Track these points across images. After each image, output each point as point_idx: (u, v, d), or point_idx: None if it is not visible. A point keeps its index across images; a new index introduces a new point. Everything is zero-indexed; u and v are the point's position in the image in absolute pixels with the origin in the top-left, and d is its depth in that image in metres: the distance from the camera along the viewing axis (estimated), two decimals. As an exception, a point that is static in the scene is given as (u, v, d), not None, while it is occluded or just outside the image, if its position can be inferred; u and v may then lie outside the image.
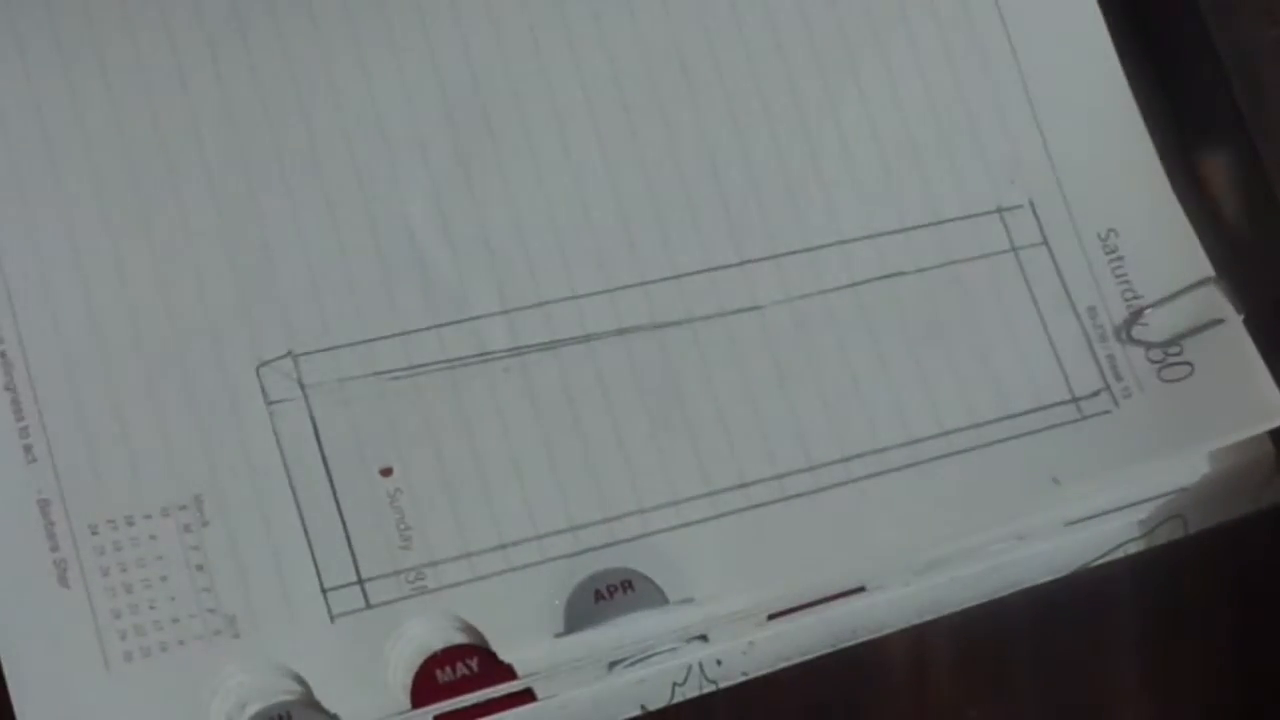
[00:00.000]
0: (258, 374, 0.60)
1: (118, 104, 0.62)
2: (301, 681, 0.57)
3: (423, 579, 0.59)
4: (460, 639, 0.59)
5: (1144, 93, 0.68)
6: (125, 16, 0.63)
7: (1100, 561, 0.64)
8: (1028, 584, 0.63)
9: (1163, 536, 0.65)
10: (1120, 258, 0.65)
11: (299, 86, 0.63)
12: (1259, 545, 0.65)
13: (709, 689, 0.61)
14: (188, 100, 0.63)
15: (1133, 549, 0.64)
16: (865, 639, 0.62)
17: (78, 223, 0.61)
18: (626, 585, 0.59)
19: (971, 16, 0.67)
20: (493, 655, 0.58)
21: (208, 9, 0.63)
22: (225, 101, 0.63)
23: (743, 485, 0.61)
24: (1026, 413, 0.62)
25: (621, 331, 0.62)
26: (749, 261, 0.63)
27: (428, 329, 0.61)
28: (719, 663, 0.61)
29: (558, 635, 0.59)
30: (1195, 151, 0.68)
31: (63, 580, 0.57)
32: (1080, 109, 0.67)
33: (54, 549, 0.57)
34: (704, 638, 0.60)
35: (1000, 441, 0.62)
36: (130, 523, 0.58)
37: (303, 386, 0.60)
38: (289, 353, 0.60)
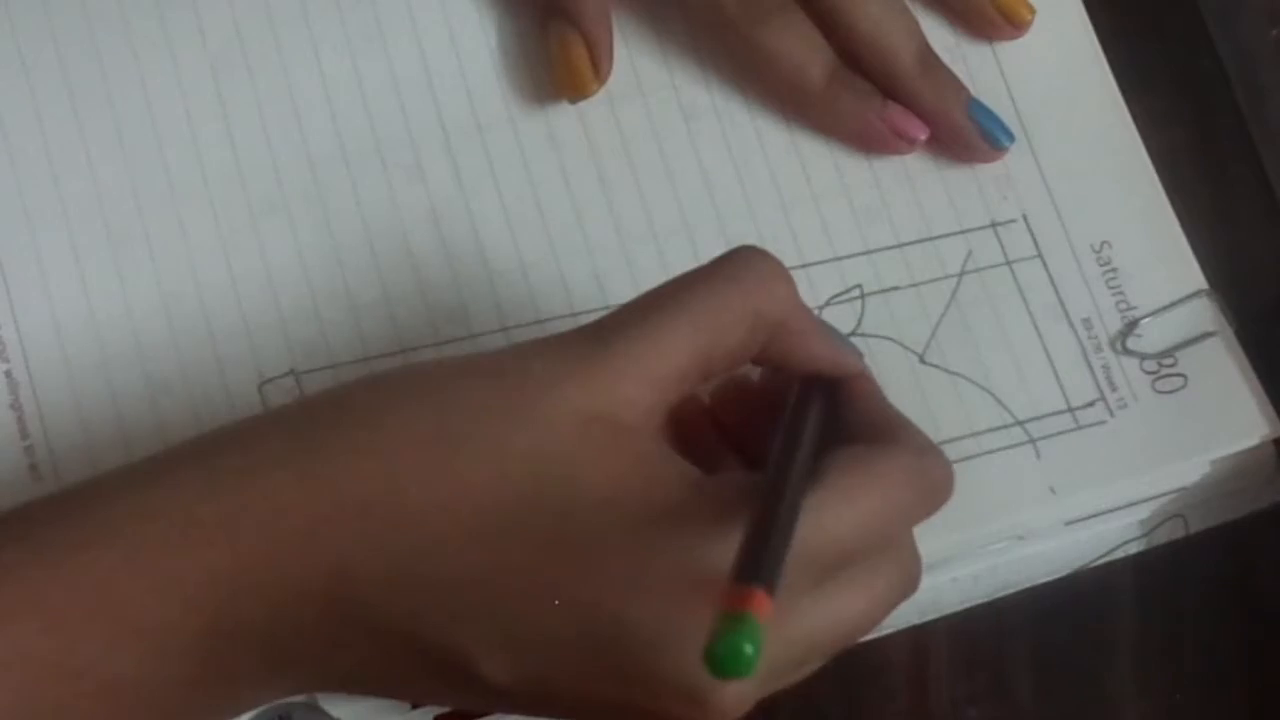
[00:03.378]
0: (260, 392, 0.60)
1: (120, 120, 0.63)
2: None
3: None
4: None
5: (1143, 96, 0.68)
6: (128, 32, 0.63)
7: (1100, 561, 0.64)
8: (1028, 584, 0.64)
9: (1163, 536, 0.65)
10: (1114, 269, 0.65)
11: (298, 107, 0.64)
12: (1259, 545, 0.65)
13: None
14: (189, 118, 0.63)
15: (1133, 549, 0.65)
16: (865, 639, 0.62)
17: (81, 244, 0.61)
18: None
19: (959, 35, 0.68)
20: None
21: (209, 29, 0.64)
22: (226, 121, 0.63)
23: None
24: (1023, 422, 0.62)
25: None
26: (745, 277, 0.63)
27: (428, 347, 0.61)
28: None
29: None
30: (1194, 154, 0.68)
31: (70, 596, 0.58)
32: (1072, 122, 0.67)
33: (61, 565, 0.58)
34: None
35: (997, 450, 0.62)
36: (135, 538, 0.58)
37: (304, 403, 0.60)
38: (291, 371, 0.61)
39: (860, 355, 0.55)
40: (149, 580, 0.47)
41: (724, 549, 0.46)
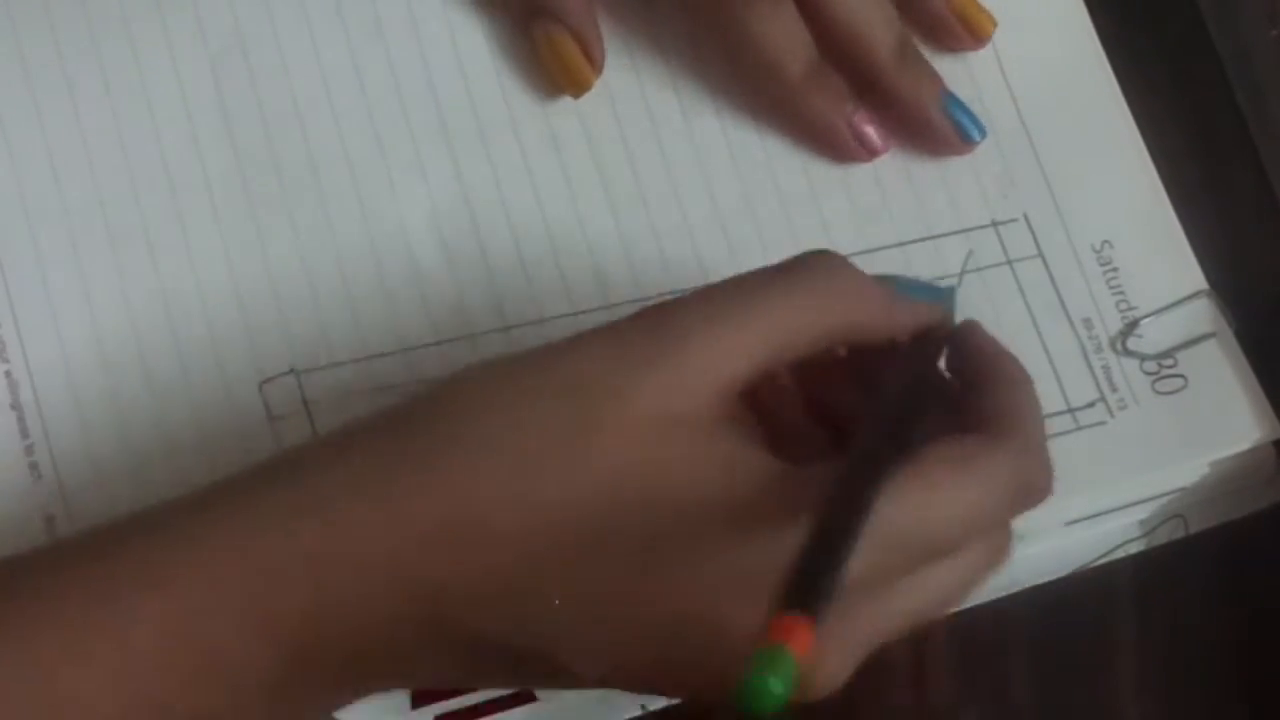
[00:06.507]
0: (260, 390, 0.60)
1: (120, 120, 0.63)
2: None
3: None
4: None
5: (1143, 96, 0.68)
6: (128, 32, 0.63)
7: (1100, 561, 0.64)
8: (1028, 584, 0.63)
9: (1163, 536, 0.65)
10: (1115, 269, 0.65)
11: (299, 106, 0.64)
12: (1259, 545, 0.65)
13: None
14: (188, 117, 0.63)
15: (1133, 549, 0.65)
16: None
17: (82, 244, 0.61)
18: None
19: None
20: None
21: (209, 29, 0.64)
22: (226, 121, 0.63)
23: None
24: (1023, 422, 0.62)
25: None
26: (745, 275, 0.64)
27: (429, 345, 0.61)
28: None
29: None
30: (1194, 154, 0.68)
31: (70, 595, 0.58)
32: (1072, 122, 0.67)
33: (61, 565, 0.58)
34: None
35: (997, 450, 0.62)
36: (136, 537, 0.58)
37: (305, 402, 0.60)
38: (291, 369, 0.61)
39: (949, 307, 0.55)
40: (233, 622, 0.47)
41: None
